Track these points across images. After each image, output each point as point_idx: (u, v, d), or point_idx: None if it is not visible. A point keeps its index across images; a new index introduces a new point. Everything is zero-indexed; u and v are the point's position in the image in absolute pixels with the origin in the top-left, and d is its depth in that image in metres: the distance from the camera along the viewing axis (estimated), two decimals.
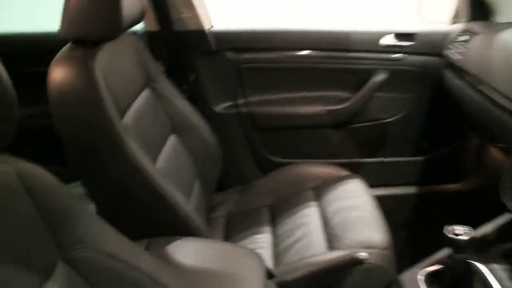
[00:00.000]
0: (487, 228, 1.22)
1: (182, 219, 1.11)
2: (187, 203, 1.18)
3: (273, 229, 1.39)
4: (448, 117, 1.77)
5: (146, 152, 1.12)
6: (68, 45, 1.07)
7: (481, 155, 1.84)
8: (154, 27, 1.62)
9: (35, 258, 0.63)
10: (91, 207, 1.05)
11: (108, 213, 1.11)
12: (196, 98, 1.65)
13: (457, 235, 0.97)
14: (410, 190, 1.86)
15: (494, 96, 1.26)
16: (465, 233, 0.97)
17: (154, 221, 1.10)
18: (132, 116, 1.17)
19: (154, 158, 1.23)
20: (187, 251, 1.02)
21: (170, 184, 1.12)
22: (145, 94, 1.31)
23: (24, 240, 0.62)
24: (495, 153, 1.76)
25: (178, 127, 1.41)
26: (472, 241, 0.97)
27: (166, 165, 1.27)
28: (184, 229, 1.11)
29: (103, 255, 0.70)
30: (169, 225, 1.11)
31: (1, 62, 0.62)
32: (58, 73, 1.00)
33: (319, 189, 1.48)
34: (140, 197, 1.08)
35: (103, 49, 1.10)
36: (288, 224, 1.37)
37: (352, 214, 1.33)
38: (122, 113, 1.12)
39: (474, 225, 1.56)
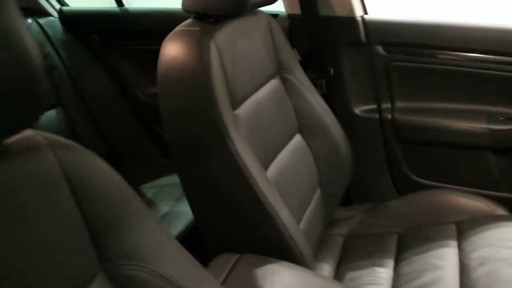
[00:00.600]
0: None
1: (284, 242, 0.95)
2: (295, 224, 1.01)
3: (397, 264, 1.17)
4: None
5: (259, 152, 0.99)
6: (189, 20, 0.98)
7: None
8: (296, 10, 1.46)
9: (69, 268, 0.51)
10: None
11: (202, 216, 1.00)
12: (333, 95, 1.47)
13: None
14: None
15: None
16: None
17: (251, 235, 0.96)
18: (251, 108, 1.04)
19: (270, 160, 1.09)
20: (277, 279, 0.86)
21: (279, 198, 0.97)
22: (273, 84, 1.17)
23: (59, 243, 0.51)
24: None
25: (306, 126, 1.25)
26: None
27: (284, 168, 1.12)
28: (284, 253, 0.95)
29: (156, 277, 0.57)
30: (268, 244, 0.96)
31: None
32: (169, 48, 0.91)
33: (464, 226, 1.22)
34: (238, 205, 0.95)
35: (227, 26, 0.98)
36: (416, 262, 1.14)
37: (503, 270, 1.05)
38: (238, 102, 1.00)
39: None
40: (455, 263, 1.10)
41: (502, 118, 1.44)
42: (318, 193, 1.27)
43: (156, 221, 0.61)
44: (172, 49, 0.91)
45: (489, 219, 1.22)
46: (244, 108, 1.01)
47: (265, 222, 0.93)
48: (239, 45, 1.03)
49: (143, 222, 0.59)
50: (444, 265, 1.10)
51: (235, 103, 0.98)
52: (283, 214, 0.95)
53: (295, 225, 0.99)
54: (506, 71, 1.38)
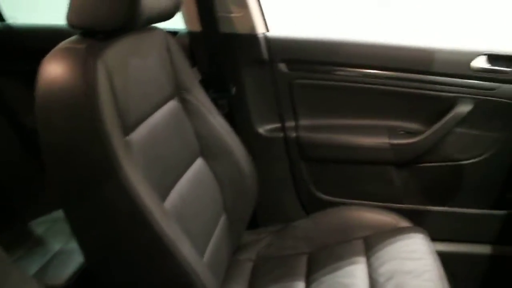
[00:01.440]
0: None
1: (187, 278, 0.88)
2: (198, 257, 0.94)
3: (308, 286, 1.14)
4: None
5: (157, 181, 0.91)
6: (74, 36, 0.88)
7: None
8: (196, 26, 1.41)
9: None
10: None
11: (93, 257, 0.91)
12: (235, 115, 1.43)
13: None
14: (484, 250, 1.56)
15: None
16: None
17: (149, 275, 0.88)
18: (147, 132, 0.96)
19: (170, 187, 1.01)
20: None
21: (179, 230, 0.89)
22: (170, 105, 1.10)
23: None
24: None
25: (208, 149, 1.19)
26: None
27: (185, 196, 1.05)
28: None
29: None
30: (169, 282, 0.88)
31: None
32: (48, 69, 0.80)
33: (370, 241, 1.22)
34: (133, 243, 0.85)
35: (118, 43, 0.90)
36: (326, 282, 1.12)
37: (410, 283, 1.06)
38: (131, 127, 0.91)
39: None
40: (365, 280, 1.10)
41: (401, 132, 1.49)
42: (223, 218, 1.21)
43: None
44: (52, 70, 0.80)
45: (394, 232, 1.23)
46: (139, 133, 0.93)
47: (164, 260, 0.85)
48: (132, 64, 0.95)
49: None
50: (354, 283, 1.09)
51: (128, 128, 0.89)
52: (184, 248, 0.87)
53: (198, 258, 0.92)
54: (403, 86, 1.43)
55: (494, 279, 1.55)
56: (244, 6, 1.39)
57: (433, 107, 1.44)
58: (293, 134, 1.50)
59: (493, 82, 1.38)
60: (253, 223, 1.44)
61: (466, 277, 1.56)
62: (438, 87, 1.41)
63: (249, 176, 1.26)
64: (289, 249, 1.27)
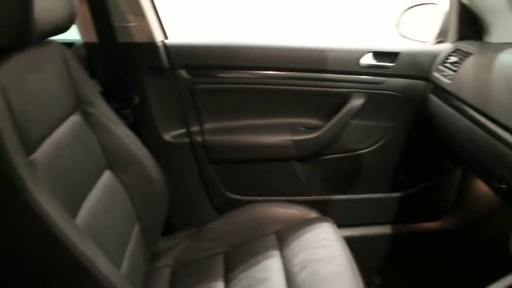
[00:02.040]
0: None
1: None
2: (115, 270, 0.93)
3: (227, 285, 1.17)
4: (431, 148, 1.61)
5: (65, 198, 0.89)
6: None
7: (464, 190, 1.69)
8: (93, 37, 1.38)
9: None
10: None
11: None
12: (140, 124, 1.43)
13: None
14: (385, 230, 1.69)
15: (493, 127, 1.09)
16: None
17: None
18: (50, 150, 0.93)
19: (79, 203, 0.98)
20: None
21: (93, 246, 0.87)
22: (72, 120, 1.07)
23: None
24: (479, 187, 1.62)
25: (115, 161, 1.17)
26: None
27: (96, 210, 1.03)
28: None
29: None
30: None
31: None
32: None
33: (282, 234, 1.28)
34: (47, 265, 0.82)
35: (12, 60, 0.87)
36: (244, 279, 1.15)
37: (322, 269, 1.13)
38: (34, 145, 0.88)
39: (454, 266, 1.38)
40: (281, 272, 1.15)
41: (302, 128, 1.57)
42: (136, 228, 1.20)
43: None
44: None
45: (304, 224, 1.30)
46: (42, 151, 0.90)
47: (81, 278, 0.84)
48: (28, 80, 0.91)
49: None
50: (271, 276, 1.13)
51: (30, 148, 0.86)
52: (100, 263, 0.86)
53: (115, 271, 0.91)
54: (301, 85, 1.51)
55: (396, 255, 1.69)
56: (141, 15, 1.38)
57: (329, 102, 1.54)
58: (199, 138, 1.53)
59: (380, 76, 1.50)
60: (168, 230, 1.44)
61: (372, 257, 1.68)
62: (332, 83, 1.50)
63: (159, 184, 1.26)
64: (205, 251, 1.29)
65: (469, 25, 1.45)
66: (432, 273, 1.65)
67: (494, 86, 1.15)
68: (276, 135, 1.54)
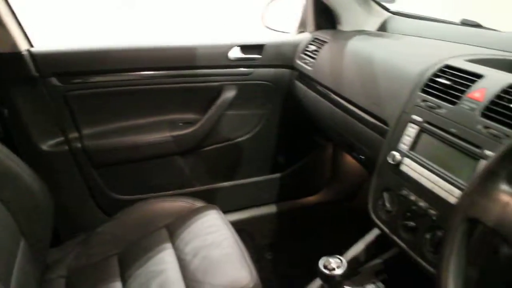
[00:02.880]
0: (357, 249, 1.19)
1: None
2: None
3: (124, 285, 1.20)
4: (303, 129, 1.76)
5: None
6: None
7: (337, 165, 1.87)
8: None
9: None
10: None
11: None
12: (14, 137, 1.39)
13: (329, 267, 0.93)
14: (271, 209, 1.82)
15: (348, 106, 1.24)
16: (338, 266, 0.93)
17: None
18: None
19: None
20: None
21: None
22: None
23: None
24: (349, 162, 1.80)
25: None
26: (345, 273, 0.92)
27: None
28: None
29: None
30: None
31: None
32: None
33: (172, 227, 1.33)
34: None
35: None
36: (140, 275, 1.19)
37: (213, 253, 1.20)
38: None
39: (335, 233, 1.55)
40: (175, 263, 1.20)
41: (181, 123, 1.62)
42: (23, 243, 1.18)
43: None
44: None
45: (192, 214, 1.36)
46: None
47: None
48: None
49: None
50: (166, 268, 1.19)
51: None
52: None
53: None
54: (175, 83, 1.56)
55: (283, 230, 1.83)
56: (0, 24, 1.34)
57: (204, 97, 1.61)
58: (79, 145, 1.51)
59: (249, 68, 1.60)
60: (57, 240, 1.42)
61: (261, 235, 1.80)
62: (205, 78, 1.58)
63: (40, 195, 1.24)
64: (98, 255, 1.30)
65: (324, 16, 1.60)
66: (316, 241, 1.81)
67: (346, 70, 1.30)
68: (156, 132, 1.58)
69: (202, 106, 1.62)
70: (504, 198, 0.57)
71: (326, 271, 0.92)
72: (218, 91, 1.60)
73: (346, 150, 1.51)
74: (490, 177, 0.60)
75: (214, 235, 1.28)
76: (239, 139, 1.69)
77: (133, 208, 1.43)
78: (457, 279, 0.61)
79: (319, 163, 1.86)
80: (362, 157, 1.27)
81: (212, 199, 1.50)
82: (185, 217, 1.35)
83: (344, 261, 0.94)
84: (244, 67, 1.60)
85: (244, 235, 1.62)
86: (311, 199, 1.88)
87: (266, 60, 1.61)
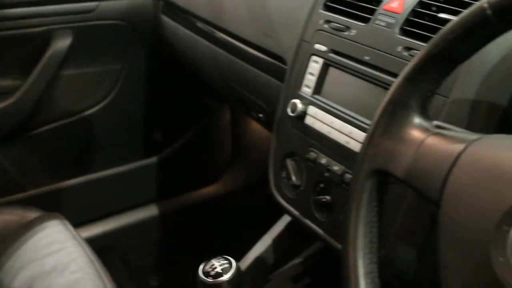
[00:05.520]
0: (261, 247, 1.25)
1: None
2: None
3: None
4: (183, 87, 1.78)
5: None
6: None
7: (238, 136, 1.91)
8: None
9: None
10: None
11: None
12: None
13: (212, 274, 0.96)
14: (149, 212, 1.83)
15: (233, 43, 1.28)
16: (224, 269, 0.97)
17: None
18: None
19: None
20: None
21: None
22: None
23: None
24: (257, 130, 1.84)
25: None
26: (236, 278, 0.96)
27: None
28: None
29: None
30: None
31: None
32: None
33: None
34: None
35: None
36: None
37: (55, 283, 1.21)
38: None
39: (248, 235, 1.60)
40: None
41: None
42: None
43: None
44: None
45: (23, 230, 1.35)
46: None
47: None
48: None
49: None
50: None
51: None
52: None
53: None
54: None
55: (174, 241, 1.85)
56: None
57: (21, 51, 1.57)
58: None
59: (89, 1, 1.58)
60: None
61: (140, 252, 1.81)
62: (22, 22, 1.53)
63: None
64: None
65: None
66: (221, 248, 1.85)
67: None
68: None
69: (20, 66, 1.59)
70: (418, 136, 0.62)
71: (209, 280, 0.95)
72: (44, 40, 1.57)
73: (244, 111, 1.55)
74: (398, 110, 0.64)
75: (56, 257, 1.27)
76: (87, 112, 1.68)
77: None
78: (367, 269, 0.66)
79: (213, 137, 1.89)
80: (261, 115, 1.31)
81: (53, 206, 1.49)
82: (12, 237, 1.34)
83: (233, 261, 0.97)
84: (79, 1, 1.57)
85: (113, 255, 1.63)
86: (207, 190, 1.91)
87: None
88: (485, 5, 0.55)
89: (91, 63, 1.65)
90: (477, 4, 0.57)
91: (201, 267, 0.98)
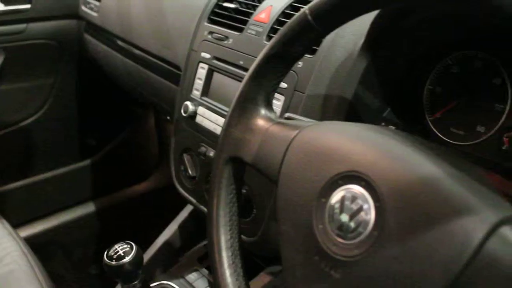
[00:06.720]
0: (168, 233, 1.31)
1: None
2: None
3: None
4: (109, 97, 1.83)
5: None
6: None
7: (163, 138, 1.96)
8: None
9: None
10: None
11: None
12: None
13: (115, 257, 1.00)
14: (86, 209, 1.88)
15: (140, 54, 1.36)
16: (125, 252, 1.00)
17: None
18: None
19: None
20: None
21: None
22: None
23: None
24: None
25: None
26: (137, 257, 1.00)
27: None
28: None
29: None
30: None
31: None
32: None
33: None
34: None
35: None
36: None
37: None
38: None
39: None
40: None
41: None
42: None
43: None
44: None
45: None
46: None
47: None
48: None
49: None
50: None
51: None
52: None
53: None
54: None
55: (111, 232, 1.90)
56: None
57: None
58: None
59: (18, 23, 1.63)
60: None
61: (80, 245, 1.84)
62: None
63: None
64: None
65: None
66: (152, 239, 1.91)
67: (133, 10, 1.40)
68: None
69: None
70: (263, 125, 0.69)
71: (112, 262, 0.99)
72: None
73: (163, 115, 1.61)
74: (247, 105, 0.72)
75: None
76: (24, 122, 1.71)
77: None
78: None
79: (141, 139, 1.95)
80: (168, 117, 1.38)
81: None
82: None
83: (134, 245, 1.02)
84: (11, 24, 1.62)
85: (55, 249, 1.67)
86: (138, 188, 1.97)
87: (41, 10, 1.65)
88: (307, 11, 0.62)
89: (25, 78, 1.69)
90: (301, 10, 0.63)
91: (106, 252, 1.02)
